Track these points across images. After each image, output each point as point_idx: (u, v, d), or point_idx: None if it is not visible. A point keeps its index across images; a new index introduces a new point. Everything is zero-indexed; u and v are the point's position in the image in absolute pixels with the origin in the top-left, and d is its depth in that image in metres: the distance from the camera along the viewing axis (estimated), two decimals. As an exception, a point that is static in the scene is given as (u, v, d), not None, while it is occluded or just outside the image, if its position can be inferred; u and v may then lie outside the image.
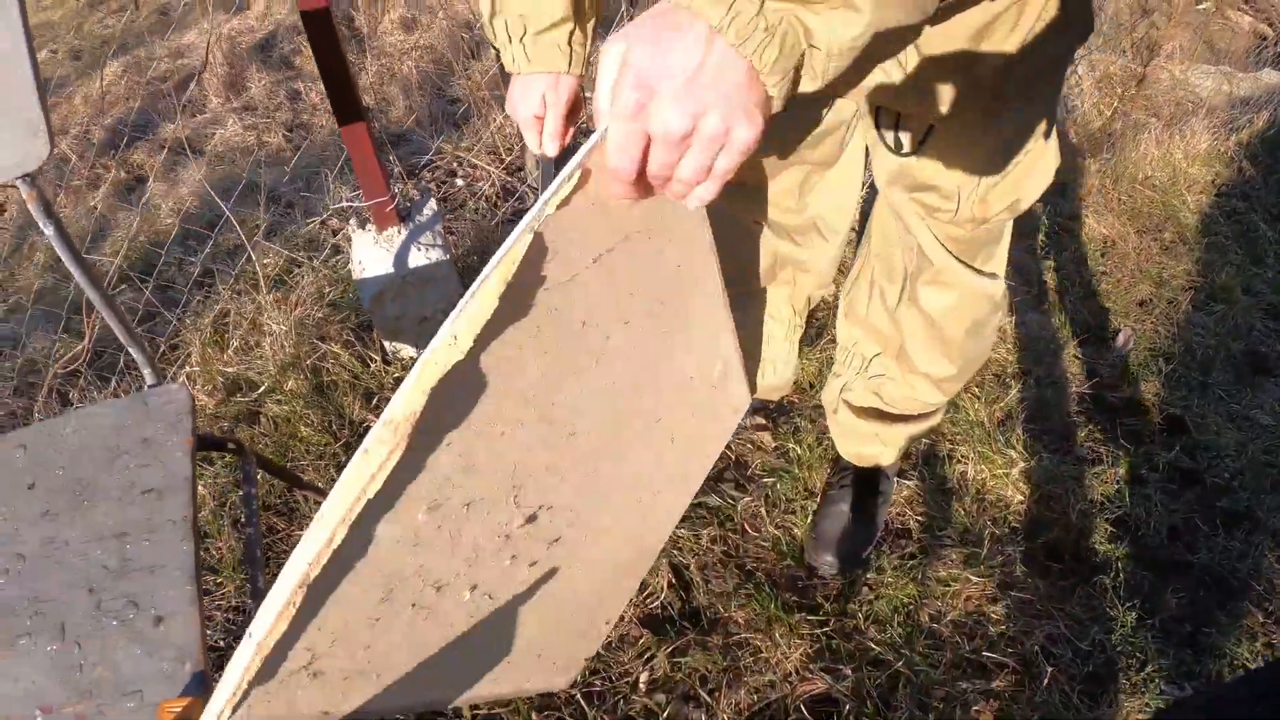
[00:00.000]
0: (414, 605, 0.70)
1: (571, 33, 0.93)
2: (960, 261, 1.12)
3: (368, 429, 1.66)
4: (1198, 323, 2.12)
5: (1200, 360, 1.99)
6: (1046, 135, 1.02)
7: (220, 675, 0.61)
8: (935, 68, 0.91)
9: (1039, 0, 0.87)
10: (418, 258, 1.60)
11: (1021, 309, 2.06)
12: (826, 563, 1.44)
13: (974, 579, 1.44)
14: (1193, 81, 3.22)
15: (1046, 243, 2.30)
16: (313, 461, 1.63)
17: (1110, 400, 1.85)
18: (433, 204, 1.66)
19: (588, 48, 0.97)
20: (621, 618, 1.38)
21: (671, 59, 0.50)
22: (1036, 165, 1.03)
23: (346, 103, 1.44)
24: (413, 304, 1.66)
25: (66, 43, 3.56)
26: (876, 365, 1.30)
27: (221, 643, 1.44)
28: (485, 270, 0.53)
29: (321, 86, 2.77)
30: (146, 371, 1.26)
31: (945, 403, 1.38)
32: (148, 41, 3.36)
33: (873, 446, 1.41)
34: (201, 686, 0.91)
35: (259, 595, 1.10)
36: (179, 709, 0.84)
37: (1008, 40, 0.88)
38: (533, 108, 0.97)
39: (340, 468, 1.60)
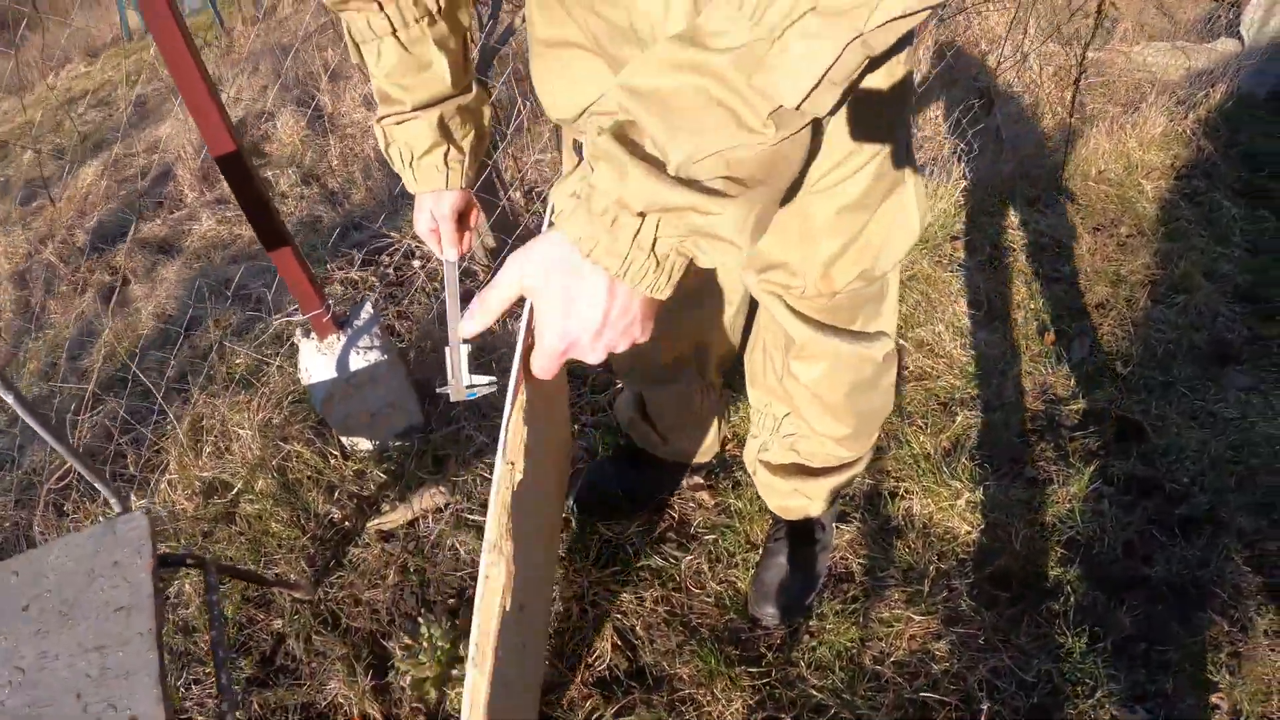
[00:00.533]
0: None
1: (446, 153, 1.05)
2: (828, 329, 1.13)
3: (331, 520, 1.75)
4: (1158, 318, 2.11)
5: (1160, 358, 1.99)
6: (890, 194, 1.01)
7: None
8: None
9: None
10: (358, 361, 1.68)
11: (971, 329, 2.08)
12: (768, 614, 1.48)
13: (917, 617, 1.47)
14: (1149, 61, 3.20)
15: (994, 255, 2.31)
16: (284, 555, 1.71)
17: (1062, 415, 1.86)
18: (369, 308, 1.73)
19: (465, 163, 1.08)
20: (569, 684, 1.44)
21: (582, 313, 0.64)
22: (890, 227, 1.03)
23: (270, 231, 1.52)
24: (358, 403, 1.74)
25: (49, 141, 3.72)
26: (788, 424, 1.33)
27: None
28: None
29: (291, 173, 2.90)
30: (112, 501, 1.38)
31: (865, 453, 1.41)
32: (127, 134, 3.50)
33: (796, 500, 1.44)
34: None
35: (225, 690, 1.23)
36: None
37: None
38: (426, 222, 1.13)
39: (310, 559, 1.69)
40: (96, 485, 1.36)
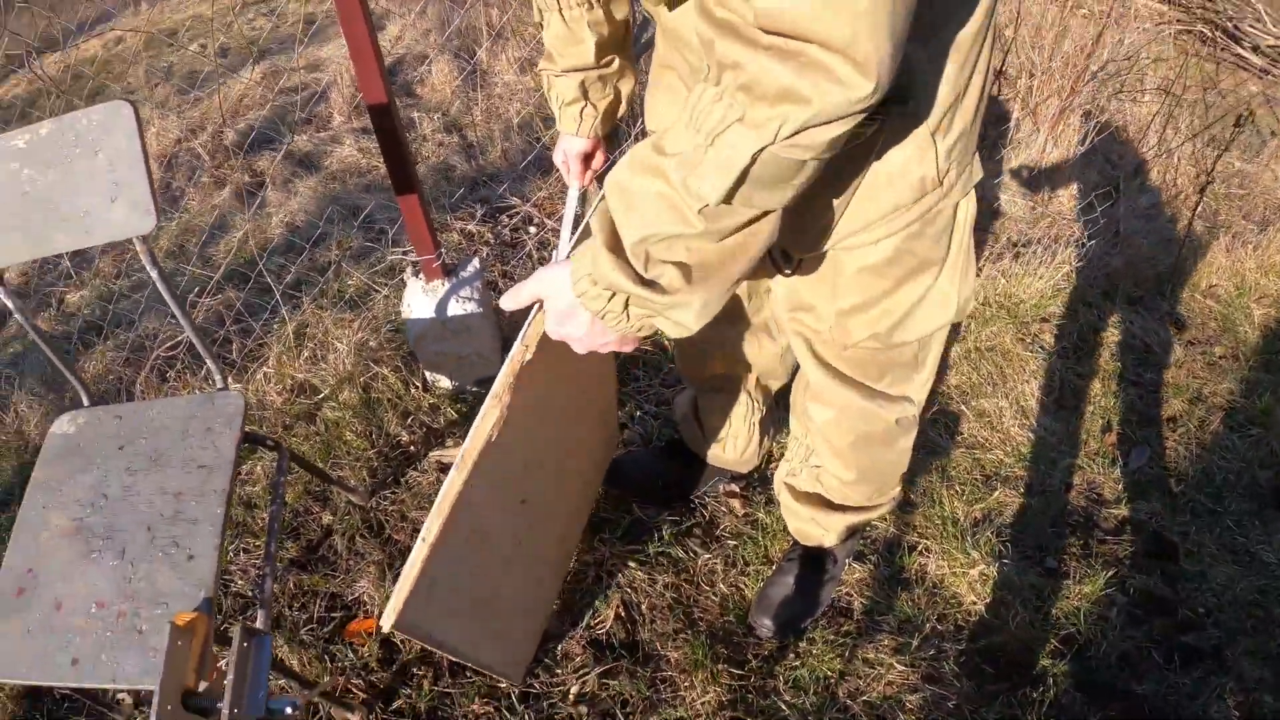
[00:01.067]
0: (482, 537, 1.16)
1: (582, 108, 1.30)
2: (845, 379, 1.22)
3: (398, 442, 1.92)
4: (1227, 445, 2.09)
5: (1217, 485, 1.98)
6: (914, 276, 1.07)
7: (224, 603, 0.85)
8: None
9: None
10: (456, 308, 1.84)
11: (1035, 411, 2.11)
12: (764, 625, 1.58)
13: (899, 666, 1.55)
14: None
15: (1079, 345, 2.32)
16: (350, 461, 1.89)
17: (1100, 517, 1.88)
18: (476, 264, 1.89)
19: (598, 119, 1.33)
20: (568, 636, 1.58)
21: (572, 327, 0.89)
22: (912, 303, 1.10)
23: (403, 176, 1.68)
24: (447, 345, 1.90)
25: (215, 39, 4.00)
26: (815, 456, 1.43)
27: (239, 582, 1.72)
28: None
29: (435, 119, 3.09)
30: (216, 376, 1.57)
31: (879, 501, 1.48)
32: (289, 49, 3.74)
33: (813, 528, 1.52)
34: (209, 607, 1.25)
35: (269, 557, 1.44)
36: (188, 619, 1.15)
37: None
38: (559, 156, 1.41)
39: (372, 471, 1.87)
40: (206, 359, 1.55)
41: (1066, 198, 2.82)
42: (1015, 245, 2.53)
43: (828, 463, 1.38)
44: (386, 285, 2.26)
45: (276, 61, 3.71)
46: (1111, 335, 2.38)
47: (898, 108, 0.83)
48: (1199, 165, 2.89)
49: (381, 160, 2.93)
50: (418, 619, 1.05)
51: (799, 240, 1.06)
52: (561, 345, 0.95)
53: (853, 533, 1.56)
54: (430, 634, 1.11)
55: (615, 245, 0.77)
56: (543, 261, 2.40)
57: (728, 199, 0.68)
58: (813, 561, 1.61)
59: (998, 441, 2.00)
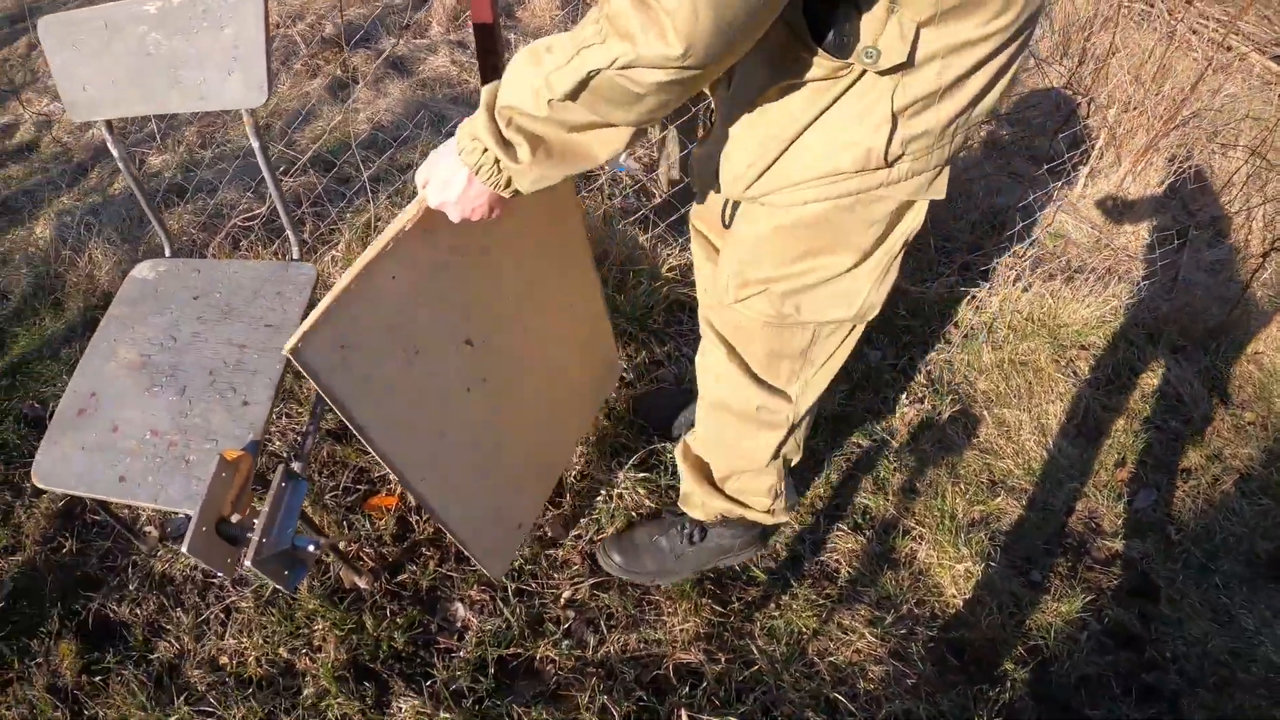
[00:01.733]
0: (417, 351, 1.21)
1: None
2: (730, 350, 1.30)
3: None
4: (1234, 509, 2.12)
5: (1215, 544, 2.01)
6: (829, 251, 1.10)
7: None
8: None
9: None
10: None
11: (1054, 431, 2.16)
12: (612, 560, 1.68)
13: (870, 637, 1.63)
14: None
15: (1112, 380, 2.35)
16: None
17: (1094, 546, 1.94)
18: None
19: None
20: (569, 545, 1.69)
21: (450, 192, 1.02)
22: (826, 282, 1.13)
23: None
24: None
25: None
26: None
27: (276, 443, 1.84)
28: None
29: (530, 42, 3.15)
30: (294, 248, 1.69)
31: (765, 502, 1.54)
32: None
33: (690, 497, 1.61)
34: (255, 449, 1.39)
35: (315, 417, 1.57)
36: (235, 455, 1.30)
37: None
38: None
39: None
40: (286, 229, 1.66)
41: (1132, 234, 2.82)
42: (1070, 269, 2.55)
43: (696, 418, 1.48)
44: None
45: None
46: (1146, 377, 2.40)
47: (868, 62, 0.91)
48: (1272, 231, 2.87)
49: (473, 76, 3.05)
50: (318, 364, 1.05)
51: (731, 181, 1.11)
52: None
53: (728, 522, 1.61)
54: (333, 389, 1.08)
55: (491, 106, 0.93)
56: (611, 198, 2.47)
57: (572, 98, 0.86)
58: (685, 526, 1.65)
59: (1011, 452, 2.05)
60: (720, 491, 1.56)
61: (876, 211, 1.05)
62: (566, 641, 1.59)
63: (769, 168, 1.05)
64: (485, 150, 0.95)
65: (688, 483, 1.58)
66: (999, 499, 1.94)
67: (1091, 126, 3.06)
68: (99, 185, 2.79)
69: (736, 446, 1.45)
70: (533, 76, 0.88)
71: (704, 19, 0.73)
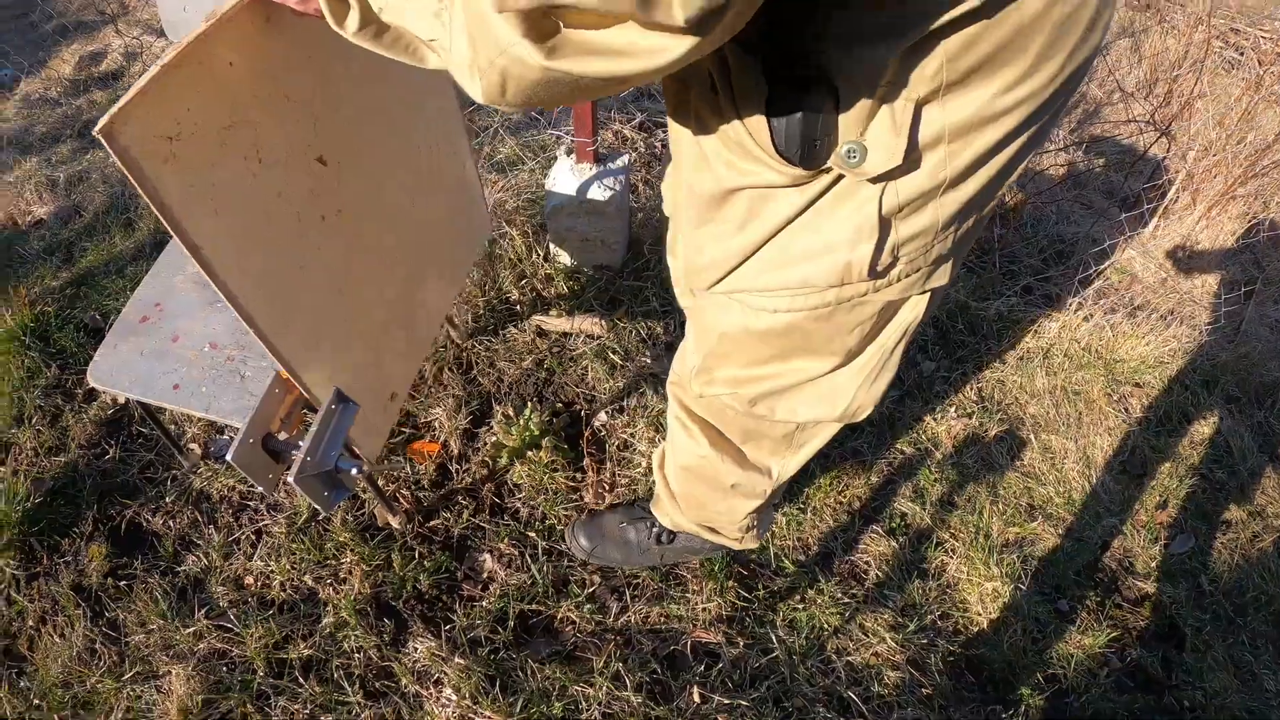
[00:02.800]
0: (260, 161, 1.05)
1: None
2: (704, 425, 1.17)
3: (508, 298, 2.04)
4: (1271, 568, 2.06)
5: (1246, 599, 1.96)
6: (802, 353, 0.95)
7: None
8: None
9: None
10: (596, 193, 1.95)
11: (1099, 465, 2.12)
12: (578, 543, 1.63)
13: (890, 641, 1.62)
14: None
15: (1163, 422, 2.31)
16: (459, 302, 2.02)
17: (1125, 584, 1.90)
18: (625, 159, 2.00)
19: None
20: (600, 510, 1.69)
21: None
22: (802, 385, 0.99)
23: None
24: (578, 224, 2.01)
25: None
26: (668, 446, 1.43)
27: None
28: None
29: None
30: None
31: (731, 536, 1.46)
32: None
33: (658, 504, 1.55)
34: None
35: None
36: (285, 376, 1.29)
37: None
38: None
39: (475, 316, 1.99)
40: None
41: (1199, 279, 2.77)
42: (1133, 305, 2.51)
43: (666, 468, 1.37)
44: (534, 160, 2.37)
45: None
46: (1198, 424, 2.36)
47: (850, 164, 0.73)
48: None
49: None
50: (137, 151, 0.86)
51: (688, 273, 0.96)
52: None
53: (688, 536, 1.56)
54: (158, 189, 0.90)
55: None
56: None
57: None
58: (654, 525, 1.60)
59: (1053, 479, 2.03)
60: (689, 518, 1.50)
61: (862, 314, 0.88)
62: (589, 605, 1.59)
63: (731, 272, 0.89)
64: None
65: (661, 491, 1.49)
66: (1035, 524, 1.91)
67: (1170, 167, 3.00)
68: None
69: (709, 508, 1.36)
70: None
71: (510, 93, 0.65)
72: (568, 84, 0.62)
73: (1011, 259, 2.49)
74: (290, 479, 1.23)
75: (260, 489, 1.54)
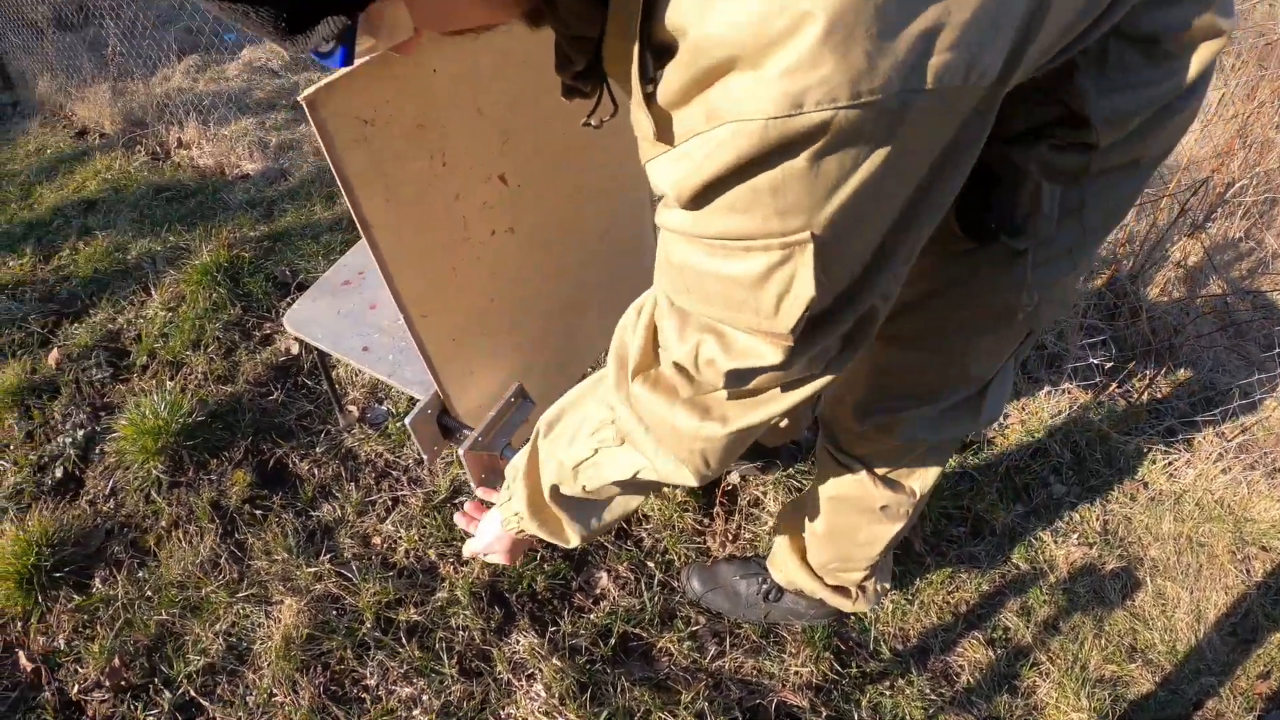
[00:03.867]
0: (444, 164, 1.11)
1: None
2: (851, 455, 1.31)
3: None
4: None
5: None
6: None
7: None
8: None
9: None
10: None
11: (1210, 622, 2.06)
12: (692, 585, 1.73)
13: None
14: None
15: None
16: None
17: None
18: None
19: None
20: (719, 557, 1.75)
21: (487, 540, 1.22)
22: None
23: None
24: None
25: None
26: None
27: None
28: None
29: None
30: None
31: (852, 591, 1.56)
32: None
33: (776, 559, 1.64)
34: None
35: None
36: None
37: None
38: None
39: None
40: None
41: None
42: (1274, 466, 2.44)
43: (811, 505, 1.45)
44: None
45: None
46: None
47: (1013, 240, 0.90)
48: None
49: None
50: (334, 127, 0.92)
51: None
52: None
53: (802, 595, 1.62)
54: (346, 165, 0.96)
55: (537, 497, 1.07)
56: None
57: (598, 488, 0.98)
58: (765, 581, 1.68)
59: (1161, 626, 1.98)
60: (809, 570, 1.56)
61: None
62: (689, 642, 1.65)
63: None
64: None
65: (780, 548, 1.60)
66: (1134, 666, 1.88)
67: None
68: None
69: (852, 537, 1.43)
70: (563, 465, 0.97)
71: (713, 463, 0.83)
72: (748, 436, 0.81)
73: (1160, 398, 2.46)
74: (460, 451, 1.35)
75: (422, 456, 1.66)
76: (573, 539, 1.08)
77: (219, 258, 2.51)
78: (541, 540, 1.11)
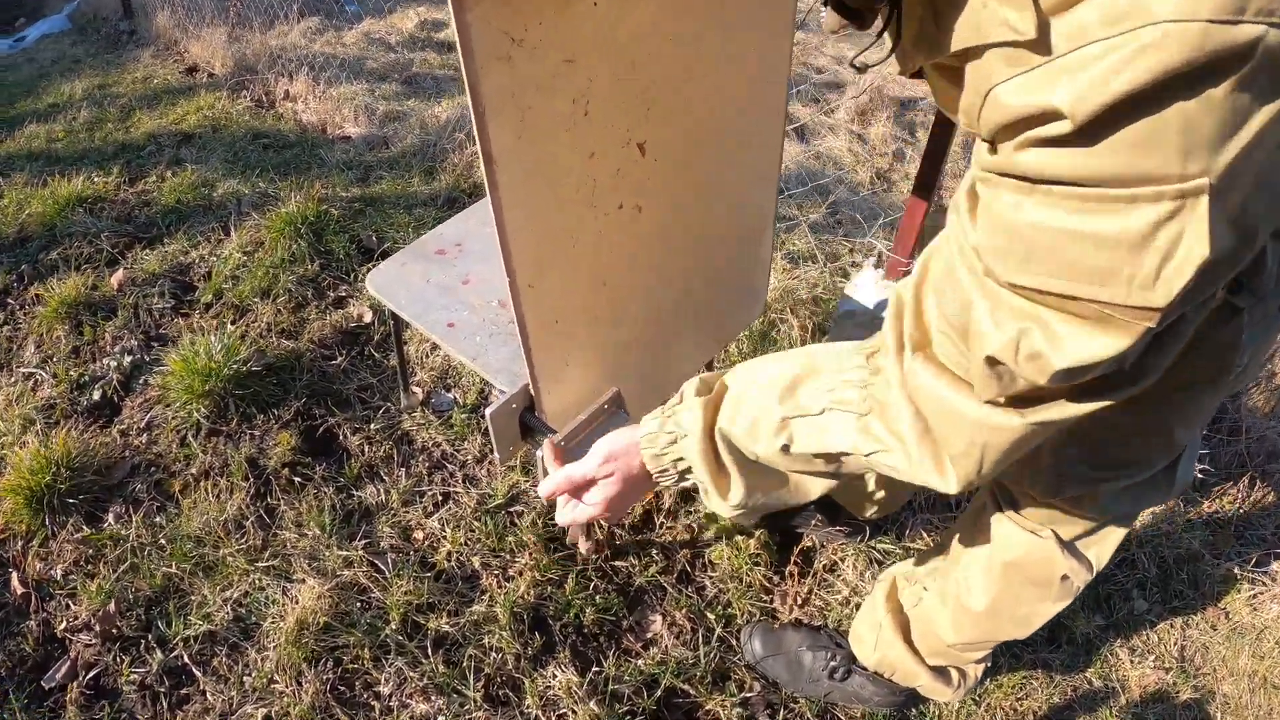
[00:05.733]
0: (586, 114, 0.98)
1: None
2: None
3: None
4: None
5: None
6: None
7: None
8: None
9: None
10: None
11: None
12: (753, 647, 1.53)
13: None
14: None
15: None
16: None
17: None
18: None
19: None
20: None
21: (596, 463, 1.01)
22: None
23: (925, 185, 1.76)
24: (860, 336, 1.94)
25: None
26: (956, 571, 1.37)
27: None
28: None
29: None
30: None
31: (967, 672, 1.42)
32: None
33: (867, 639, 1.46)
34: None
35: None
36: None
37: None
38: None
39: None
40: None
41: None
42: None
43: (965, 577, 1.27)
44: (828, 263, 2.34)
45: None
46: None
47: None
48: None
49: (867, 167, 3.16)
50: (478, 36, 0.80)
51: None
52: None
53: (883, 679, 1.45)
54: (482, 81, 0.83)
55: (710, 426, 0.89)
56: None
57: (807, 456, 0.83)
58: (835, 657, 1.49)
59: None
60: (912, 650, 1.38)
61: None
62: (739, 709, 1.46)
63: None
64: (685, 471, 0.92)
65: (870, 622, 1.43)
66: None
67: None
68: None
69: (1012, 612, 1.27)
70: (771, 410, 0.82)
71: (987, 465, 0.70)
72: (1040, 432, 0.68)
73: (1247, 523, 2.27)
74: (540, 452, 1.19)
75: (494, 453, 1.50)
76: (734, 494, 0.89)
77: (306, 210, 2.40)
78: (668, 490, 0.95)
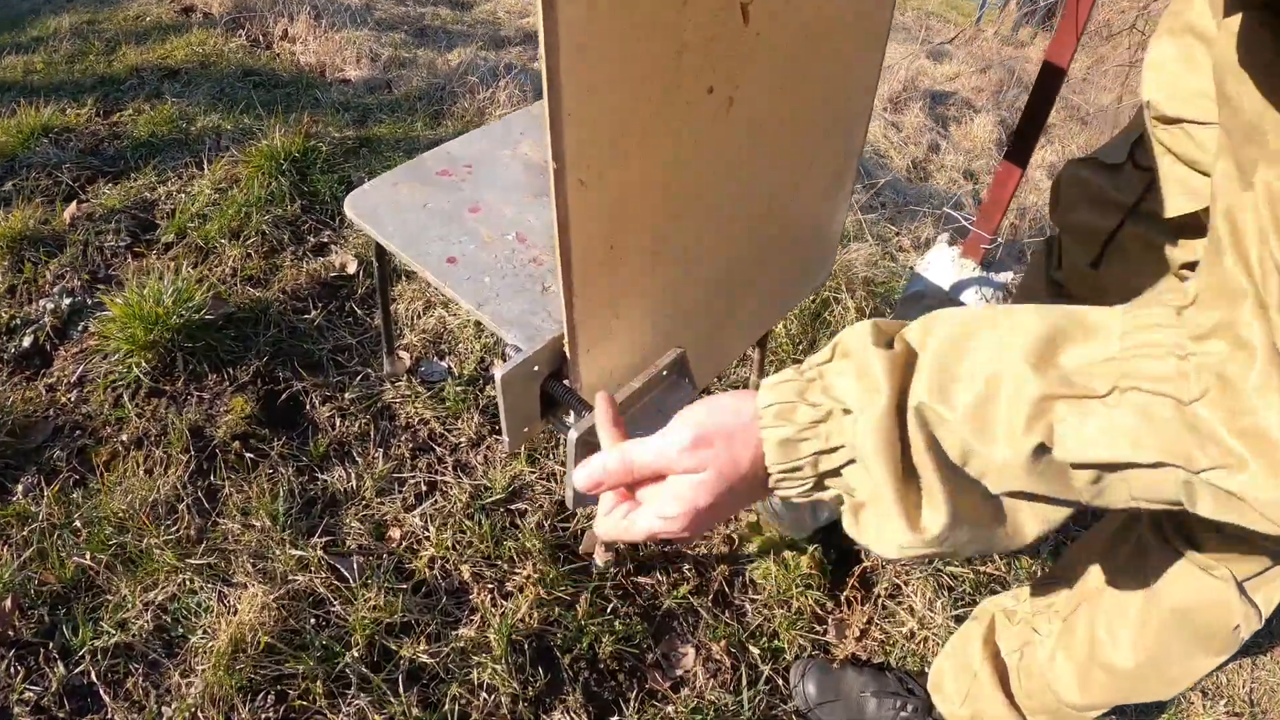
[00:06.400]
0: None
1: None
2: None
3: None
4: None
5: None
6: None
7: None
8: None
9: None
10: (969, 296, 1.61)
11: None
12: (806, 690, 1.27)
13: None
14: None
15: None
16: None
17: None
18: (1010, 275, 1.64)
19: None
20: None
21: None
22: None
23: (1022, 147, 1.51)
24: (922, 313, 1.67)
25: None
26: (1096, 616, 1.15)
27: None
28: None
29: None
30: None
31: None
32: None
33: (951, 689, 1.23)
34: None
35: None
36: None
37: None
38: None
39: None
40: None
41: None
42: None
43: (1108, 625, 1.04)
44: (899, 237, 2.04)
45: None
46: None
47: None
48: None
49: (898, 155, 2.90)
50: None
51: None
52: None
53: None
54: (556, 14, 0.60)
55: (901, 396, 0.51)
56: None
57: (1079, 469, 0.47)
58: (907, 708, 1.25)
59: None
60: (1014, 709, 1.15)
61: None
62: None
63: None
64: (833, 472, 0.53)
65: (957, 671, 1.20)
66: None
67: None
68: (519, 58, 2.70)
69: (1164, 671, 1.05)
70: (1024, 383, 0.46)
71: None
72: None
73: None
74: (573, 434, 0.84)
75: (504, 434, 1.15)
76: (931, 519, 0.51)
77: (291, 144, 2.07)
78: (795, 499, 0.56)
